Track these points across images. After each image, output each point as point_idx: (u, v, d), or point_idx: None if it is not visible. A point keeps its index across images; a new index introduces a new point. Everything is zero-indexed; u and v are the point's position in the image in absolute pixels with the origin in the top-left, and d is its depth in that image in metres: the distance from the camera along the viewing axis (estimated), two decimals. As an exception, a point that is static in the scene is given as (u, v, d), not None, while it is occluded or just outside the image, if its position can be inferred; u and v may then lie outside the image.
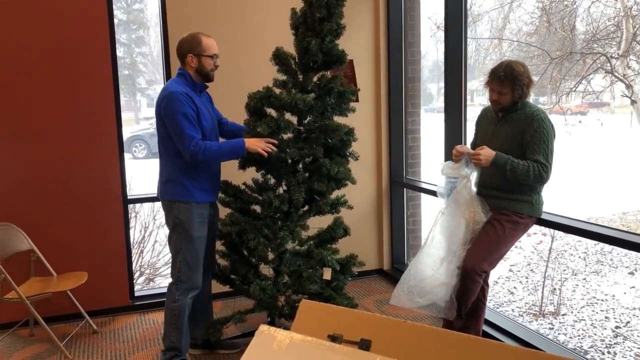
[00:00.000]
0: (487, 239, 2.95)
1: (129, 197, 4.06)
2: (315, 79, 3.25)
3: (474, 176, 3.02)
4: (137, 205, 5.25)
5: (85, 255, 3.90)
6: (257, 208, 3.36)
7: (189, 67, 3.00)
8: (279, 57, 3.25)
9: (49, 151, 3.78)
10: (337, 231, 3.39)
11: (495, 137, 3.05)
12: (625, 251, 6.35)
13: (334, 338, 1.86)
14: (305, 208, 3.31)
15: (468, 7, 3.90)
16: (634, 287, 5.32)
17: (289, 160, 3.20)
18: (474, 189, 3.01)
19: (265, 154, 3.02)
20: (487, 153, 2.91)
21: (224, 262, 3.41)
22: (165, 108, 2.89)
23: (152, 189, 4.70)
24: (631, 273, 5.75)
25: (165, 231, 5.43)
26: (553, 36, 6.99)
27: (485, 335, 3.41)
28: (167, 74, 4.01)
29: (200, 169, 3.01)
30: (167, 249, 5.44)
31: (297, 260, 3.31)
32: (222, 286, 3.46)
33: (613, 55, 5.49)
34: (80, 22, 3.76)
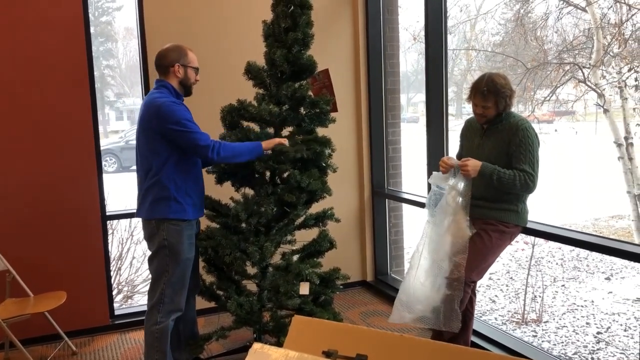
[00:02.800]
0: (475, 249, 2.96)
1: (107, 214, 3.96)
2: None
3: (461, 186, 3.03)
4: (114, 221, 5.13)
5: (63, 274, 3.77)
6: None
7: (174, 77, 2.92)
8: (251, 71, 3.22)
9: (25, 168, 3.66)
10: (323, 244, 3.34)
11: (481, 149, 3.07)
12: (600, 257, 6.47)
13: (329, 354, 1.82)
14: (285, 222, 3.26)
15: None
16: (611, 292, 5.42)
17: (257, 174, 3.15)
18: (460, 200, 3.02)
19: (286, 142, 3.06)
20: (473, 164, 2.93)
21: (210, 278, 3.34)
22: (166, 118, 2.78)
23: (128, 205, 4.61)
24: (607, 278, 5.86)
25: (143, 247, 5.34)
26: (525, 46, 7.15)
27: (473, 344, 3.41)
28: (146, 85, 3.94)
29: (191, 184, 2.94)
30: (145, 266, 5.33)
31: (277, 276, 3.24)
32: (207, 302, 3.39)
33: (585, 65, 5.62)
34: (57, 35, 3.67)
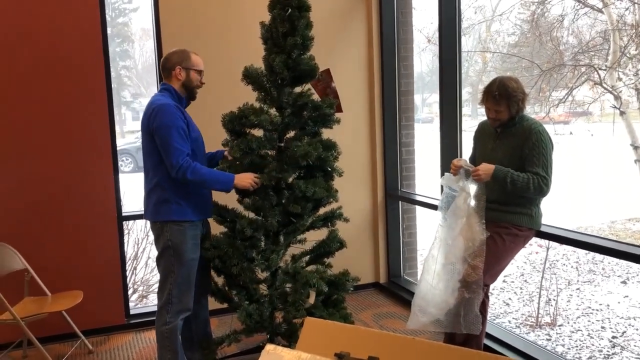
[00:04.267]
0: (488, 253, 2.95)
1: (123, 214, 4.01)
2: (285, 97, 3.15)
3: (473, 189, 3.03)
4: (130, 221, 5.17)
5: (79, 273, 3.83)
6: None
7: (176, 80, 2.96)
8: (249, 76, 3.11)
9: (42, 168, 3.73)
10: (332, 245, 3.32)
11: (495, 152, 3.07)
12: (616, 260, 6.39)
13: (341, 356, 1.83)
14: (292, 228, 3.19)
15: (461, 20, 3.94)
16: (627, 296, 5.36)
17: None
18: (473, 203, 3.02)
19: (252, 188, 3.00)
20: (485, 168, 2.93)
21: (222, 279, 3.35)
22: (156, 121, 2.82)
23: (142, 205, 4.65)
24: (624, 282, 5.80)
25: (157, 247, 5.38)
26: (540, 48, 7.10)
27: (486, 348, 3.40)
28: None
29: (191, 185, 2.95)
30: (160, 265, 5.39)
31: (286, 281, 3.20)
32: (220, 304, 3.42)
33: (601, 67, 5.57)
34: (74, 36, 3.73)
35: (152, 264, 5.38)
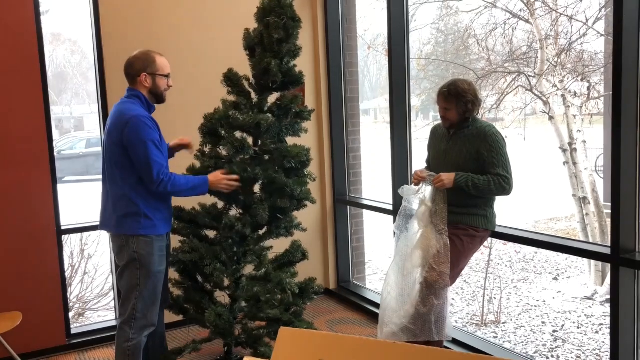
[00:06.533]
0: (448, 255, 3.00)
1: (62, 228, 3.75)
2: (274, 99, 3.23)
3: (430, 199, 3.06)
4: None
5: (16, 292, 3.53)
6: (210, 233, 3.26)
7: (142, 87, 2.83)
8: (231, 79, 3.19)
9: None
10: (296, 255, 3.35)
11: (448, 154, 3.12)
12: (545, 257, 6.74)
13: (325, 364, 1.80)
14: (264, 230, 3.26)
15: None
16: (560, 291, 5.64)
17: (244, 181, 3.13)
18: (433, 211, 3.05)
19: (227, 190, 3.03)
20: (446, 176, 2.98)
21: (177, 292, 3.25)
22: (132, 134, 2.69)
23: (81, 217, 4.41)
24: (555, 278, 6.10)
25: (95, 262, 5.11)
26: (472, 55, 7.39)
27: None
28: (102, 92, 3.76)
29: (161, 198, 2.86)
30: (97, 281, 5.11)
31: (254, 285, 3.21)
32: (174, 316, 3.30)
33: (530, 74, 5.86)
34: (8, 38, 3.46)
35: (88, 279, 5.10)
